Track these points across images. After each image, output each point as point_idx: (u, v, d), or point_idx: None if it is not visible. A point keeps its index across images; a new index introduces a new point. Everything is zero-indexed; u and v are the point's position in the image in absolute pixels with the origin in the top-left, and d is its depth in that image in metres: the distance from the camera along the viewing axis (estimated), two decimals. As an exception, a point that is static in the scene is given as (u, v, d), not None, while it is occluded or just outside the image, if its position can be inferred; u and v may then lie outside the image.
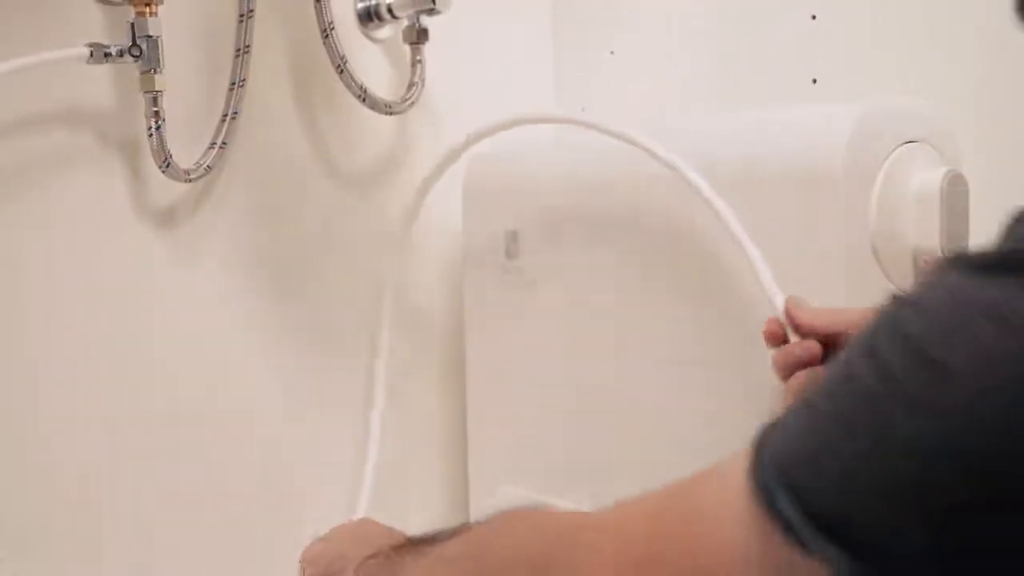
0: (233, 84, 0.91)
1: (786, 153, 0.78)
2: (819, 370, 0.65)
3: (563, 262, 0.95)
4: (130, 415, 0.88)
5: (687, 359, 0.85)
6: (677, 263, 0.85)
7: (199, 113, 0.91)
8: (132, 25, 0.82)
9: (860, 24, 0.94)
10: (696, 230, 0.82)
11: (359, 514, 0.99)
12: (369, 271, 1.05)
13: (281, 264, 0.99)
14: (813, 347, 0.65)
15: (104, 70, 0.85)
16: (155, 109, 0.84)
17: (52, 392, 0.84)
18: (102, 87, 0.86)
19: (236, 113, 0.91)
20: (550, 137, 1.05)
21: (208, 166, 0.89)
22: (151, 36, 0.82)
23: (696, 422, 0.83)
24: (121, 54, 0.82)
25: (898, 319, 0.36)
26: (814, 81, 0.97)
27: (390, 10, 1.03)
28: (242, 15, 0.91)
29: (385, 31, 1.05)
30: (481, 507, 1.04)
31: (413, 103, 1.02)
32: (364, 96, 0.98)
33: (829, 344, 0.65)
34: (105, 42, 0.82)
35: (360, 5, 1.03)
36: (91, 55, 0.80)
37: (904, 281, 0.74)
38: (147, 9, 0.82)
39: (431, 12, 1.00)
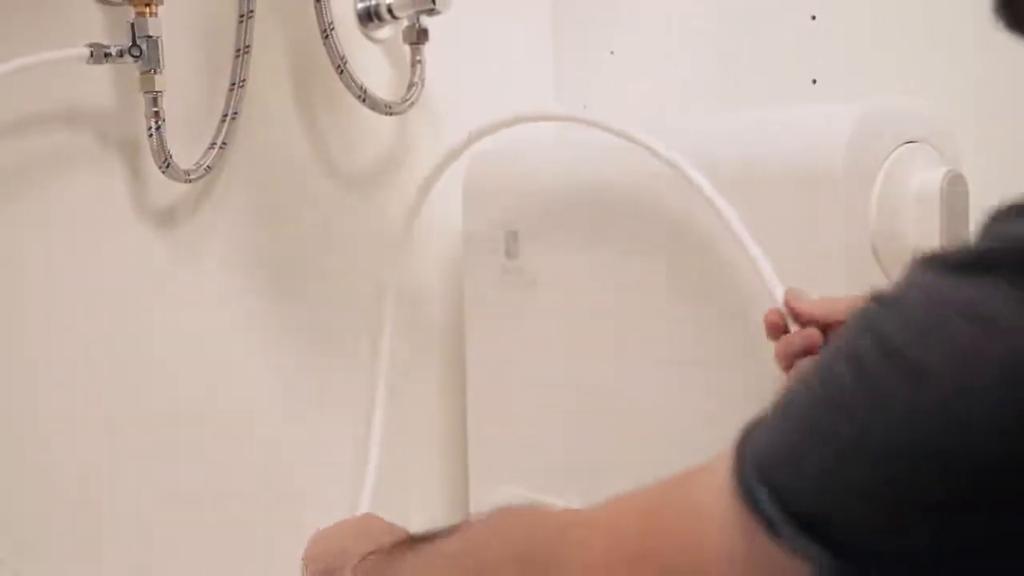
0: (233, 84, 0.91)
1: (786, 153, 0.78)
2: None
3: (563, 262, 0.95)
4: (130, 415, 0.88)
5: (687, 359, 0.85)
6: (677, 263, 0.85)
7: (199, 113, 0.91)
8: (132, 25, 0.82)
9: (860, 24, 0.94)
10: (696, 230, 0.82)
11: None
12: (369, 271, 1.05)
13: (281, 264, 0.99)
14: (813, 335, 0.66)
15: (104, 70, 0.85)
16: (155, 109, 0.84)
17: (52, 392, 0.84)
18: (102, 87, 0.86)
19: (236, 113, 0.91)
20: (550, 137, 1.05)
21: (208, 166, 0.89)
22: (151, 36, 0.82)
23: (696, 422, 0.83)
24: (121, 54, 0.82)
25: (875, 319, 0.37)
26: (814, 81, 0.97)
27: (390, 10, 1.03)
28: (242, 15, 0.91)
29: (385, 31, 1.05)
30: (481, 507, 1.04)
31: (413, 103, 1.02)
32: (364, 96, 0.98)
33: (829, 332, 0.66)
34: (105, 42, 0.82)
35: (360, 5, 1.03)
36: (91, 55, 0.80)
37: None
38: (147, 9, 0.82)
39: (431, 12, 1.00)
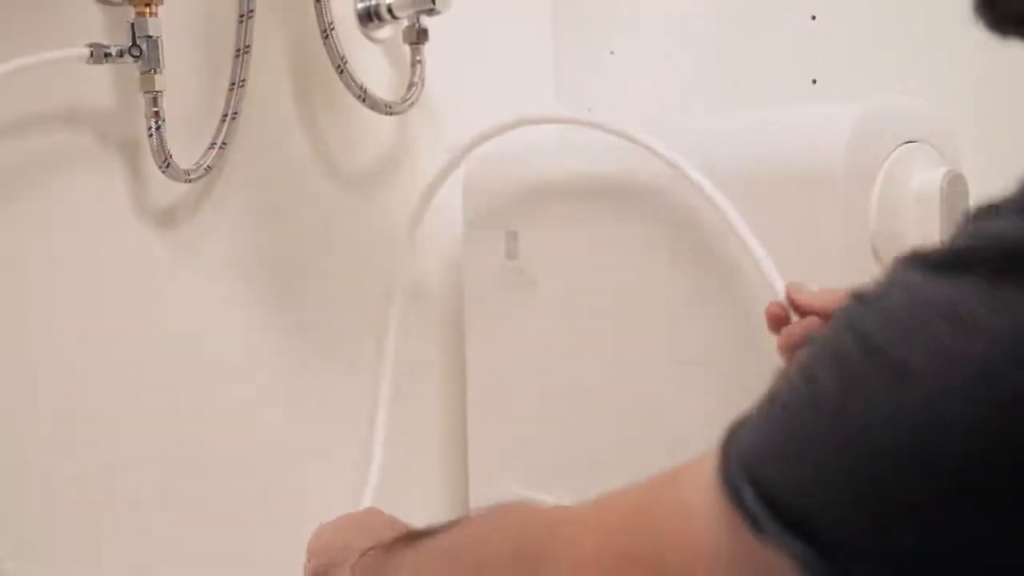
0: (233, 84, 0.91)
1: (786, 153, 0.78)
2: None
3: (563, 262, 0.95)
4: (130, 415, 0.88)
5: (687, 359, 0.85)
6: (677, 263, 0.85)
7: (199, 113, 0.91)
8: (132, 25, 0.82)
9: (860, 24, 0.94)
10: (697, 230, 0.82)
11: (360, 514, 0.99)
12: (369, 271, 1.05)
13: (281, 264, 0.99)
14: (814, 324, 0.66)
15: (104, 70, 0.85)
16: (155, 109, 0.84)
17: (52, 392, 0.84)
18: (102, 87, 0.86)
19: (236, 113, 0.91)
20: (550, 137, 1.05)
21: (208, 166, 0.89)
22: (151, 36, 0.82)
23: (696, 422, 0.83)
24: (121, 54, 0.82)
25: (857, 318, 0.37)
26: (814, 81, 0.97)
27: (390, 10, 1.03)
28: (242, 15, 0.91)
29: (385, 31, 1.05)
30: (481, 507, 1.04)
31: (413, 103, 1.02)
32: (364, 96, 0.98)
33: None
34: (105, 42, 0.82)
35: (360, 5, 1.03)
36: (91, 55, 0.80)
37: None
38: (147, 9, 0.82)
39: (431, 12, 1.00)
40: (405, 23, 1.03)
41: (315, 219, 1.01)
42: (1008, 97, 0.86)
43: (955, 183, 0.75)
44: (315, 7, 0.94)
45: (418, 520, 0.70)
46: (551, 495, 0.95)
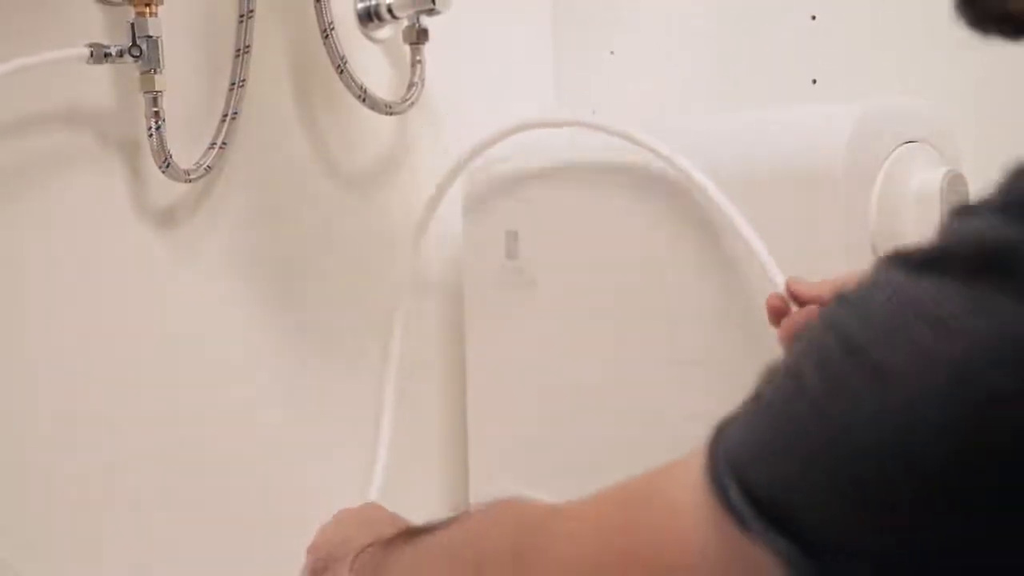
0: (233, 84, 0.91)
1: (786, 153, 0.78)
2: None
3: (563, 262, 0.95)
4: (130, 415, 0.88)
5: (687, 359, 0.85)
6: (677, 263, 0.85)
7: (199, 113, 0.91)
8: (132, 25, 0.82)
9: (860, 24, 0.94)
10: (697, 230, 0.82)
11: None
12: (369, 271, 1.05)
13: (281, 264, 0.99)
14: (814, 314, 0.66)
15: (104, 70, 0.85)
16: (155, 109, 0.84)
17: (52, 392, 0.84)
18: (102, 87, 0.86)
19: (236, 113, 0.91)
20: (550, 137, 1.05)
21: (208, 166, 0.89)
22: (151, 36, 0.82)
23: (696, 422, 0.83)
24: (121, 54, 0.82)
25: (839, 318, 0.37)
26: (814, 81, 0.97)
27: (390, 10, 1.03)
28: (242, 15, 0.91)
29: (385, 31, 1.05)
30: (480, 503, 1.04)
31: (413, 103, 1.02)
32: (364, 96, 0.98)
33: None
34: (105, 42, 0.82)
35: (360, 5, 1.03)
36: (91, 55, 0.80)
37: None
38: (147, 9, 0.82)
39: (431, 12, 1.00)
40: (405, 23, 1.02)
41: (315, 219, 1.01)
42: (1008, 97, 0.86)
43: (955, 183, 0.75)
44: (315, 7, 0.94)
45: (418, 519, 0.70)
46: (551, 495, 0.94)
